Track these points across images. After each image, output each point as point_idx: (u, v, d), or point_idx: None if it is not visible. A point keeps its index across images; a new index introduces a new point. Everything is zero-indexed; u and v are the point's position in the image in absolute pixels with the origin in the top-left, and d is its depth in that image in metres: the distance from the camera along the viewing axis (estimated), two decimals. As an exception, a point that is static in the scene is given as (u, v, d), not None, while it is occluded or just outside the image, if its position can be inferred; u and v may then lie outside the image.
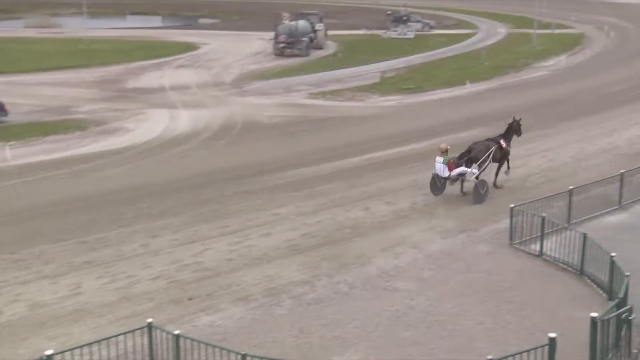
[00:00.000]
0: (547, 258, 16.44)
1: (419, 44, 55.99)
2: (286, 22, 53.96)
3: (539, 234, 16.72)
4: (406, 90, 37.66)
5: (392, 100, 35.42)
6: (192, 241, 18.05)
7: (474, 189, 20.56)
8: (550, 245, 16.50)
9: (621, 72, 41.45)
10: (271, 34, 52.64)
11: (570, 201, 18.24)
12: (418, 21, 64.56)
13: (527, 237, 17.16)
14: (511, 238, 17.34)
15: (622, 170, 19.71)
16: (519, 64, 45.34)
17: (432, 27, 64.61)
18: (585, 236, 15.37)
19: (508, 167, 21.92)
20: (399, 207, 20.23)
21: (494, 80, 40.51)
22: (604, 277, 14.55)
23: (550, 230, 16.72)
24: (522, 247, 17.10)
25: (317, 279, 15.88)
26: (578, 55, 49.24)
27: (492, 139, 21.74)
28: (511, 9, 75.68)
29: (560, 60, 46.64)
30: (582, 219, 18.41)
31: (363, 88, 38.51)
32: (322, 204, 20.61)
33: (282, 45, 50.51)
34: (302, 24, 52.20)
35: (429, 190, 21.13)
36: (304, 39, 50.92)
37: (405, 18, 64.46)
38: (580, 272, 15.58)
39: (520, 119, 22.36)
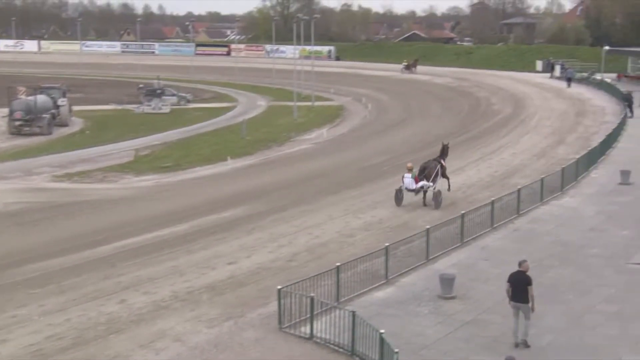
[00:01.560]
0: (318, 340, 16.91)
1: (176, 118, 56.35)
2: (23, 97, 51.85)
3: (308, 315, 17.21)
4: (163, 168, 37.55)
5: (148, 180, 35.11)
6: None
7: (434, 198, 28.48)
8: (321, 326, 17.01)
9: (382, 143, 44.46)
10: (5, 111, 50.26)
11: (338, 279, 19.01)
12: (173, 94, 65.00)
13: (297, 320, 17.58)
14: (280, 322, 17.66)
15: (387, 244, 20.95)
16: (281, 138, 47.09)
17: (189, 101, 65.35)
18: (354, 314, 16.06)
19: (449, 185, 30.18)
20: (158, 297, 19.89)
21: (257, 155, 41.66)
22: (375, 355, 15.22)
23: (319, 310, 17.28)
24: (292, 331, 17.46)
25: (66, 387, 15.08)
26: (339, 127, 52.16)
27: (435, 159, 29.82)
28: (270, 82, 78.84)
29: (322, 133, 49.07)
30: (350, 296, 19.25)
31: (115, 168, 37.82)
32: (71, 300, 19.71)
33: (18, 122, 48.30)
34: (41, 99, 50.36)
35: (190, 277, 21.27)
36: (44, 115, 49.11)
37: (159, 91, 64.60)
38: (352, 353, 16.19)
39: (448, 143, 31.36)
